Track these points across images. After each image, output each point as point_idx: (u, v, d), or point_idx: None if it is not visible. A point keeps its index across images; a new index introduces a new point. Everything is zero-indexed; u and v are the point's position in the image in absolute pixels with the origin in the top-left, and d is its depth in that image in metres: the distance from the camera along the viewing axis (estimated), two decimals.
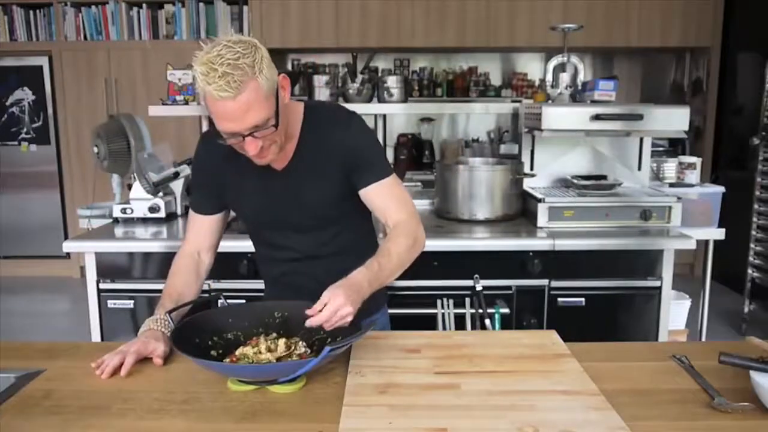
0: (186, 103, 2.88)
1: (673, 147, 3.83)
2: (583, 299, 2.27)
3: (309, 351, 1.24)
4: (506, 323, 2.18)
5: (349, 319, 1.19)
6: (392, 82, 2.95)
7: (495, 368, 1.23)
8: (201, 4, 4.88)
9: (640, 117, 2.34)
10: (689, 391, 1.14)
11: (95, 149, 2.67)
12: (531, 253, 2.23)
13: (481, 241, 2.27)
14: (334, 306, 1.17)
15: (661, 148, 3.65)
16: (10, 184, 5.10)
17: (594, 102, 2.45)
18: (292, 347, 1.23)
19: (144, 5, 4.87)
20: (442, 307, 2.19)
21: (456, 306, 2.19)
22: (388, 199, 1.44)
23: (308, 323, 1.18)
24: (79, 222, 2.73)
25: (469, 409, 1.06)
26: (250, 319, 1.32)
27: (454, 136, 5.40)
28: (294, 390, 1.14)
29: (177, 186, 2.61)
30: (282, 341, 1.23)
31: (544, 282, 2.26)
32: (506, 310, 2.19)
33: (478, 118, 5.33)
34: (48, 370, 1.24)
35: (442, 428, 1.00)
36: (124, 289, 2.28)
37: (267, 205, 1.48)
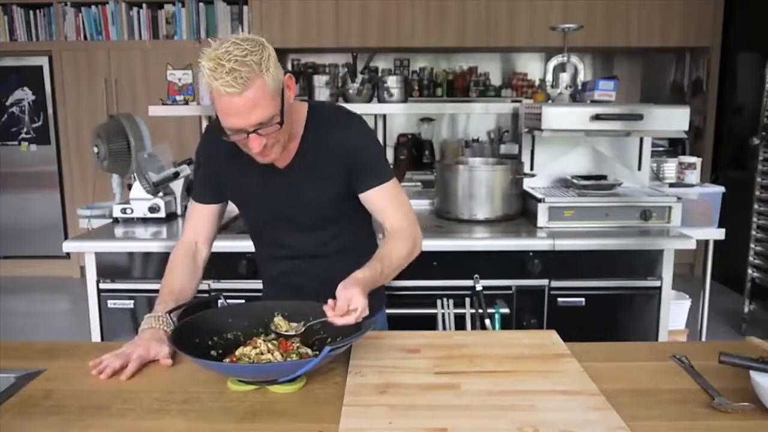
0: (186, 103, 2.88)
1: (673, 147, 3.82)
2: (583, 299, 2.27)
3: (309, 351, 1.24)
4: (506, 323, 2.18)
5: (359, 317, 1.20)
6: (392, 82, 2.95)
7: (495, 368, 1.23)
8: (201, 4, 4.88)
9: (640, 117, 2.34)
10: (689, 391, 1.14)
11: (95, 149, 2.67)
12: (531, 253, 2.23)
13: (481, 241, 2.27)
14: (359, 311, 1.19)
15: (661, 148, 3.65)
16: (10, 184, 5.10)
17: (594, 102, 2.45)
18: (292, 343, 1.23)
19: (144, 5, 4.87)
20: (442, 307, 2.19)
21: (456, 306, 2.19)
22: (388, 204, 1.45)
23: (334, 321, 1.19)
24: (79, 222, 2.73)
25: (469, 409, 1.06)
26: (250, 319, 1.32)
27: (454, 136, 5.40)
28: (294, 390, 1.14)
29: (177, 186, 2.61)
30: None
31: (544, 282, 2.26)
32: (506, 310, 2.19)
33: (478, 118, 5.33)
34: (48, 370, 1.24)
35: (442, 428, 1.00)
36: (124, 289, 2.28)
37: (268, 203, 1.49)
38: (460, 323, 2.16)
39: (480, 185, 2.45)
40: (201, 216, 1.56)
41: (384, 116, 3.62)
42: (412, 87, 5.26)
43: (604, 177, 2.61)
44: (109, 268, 2.28)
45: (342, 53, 5.18)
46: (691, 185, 2.69)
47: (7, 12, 4.91)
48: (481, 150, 4.60)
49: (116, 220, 2.53)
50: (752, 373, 1.08)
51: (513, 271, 2.24)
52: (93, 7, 4.88)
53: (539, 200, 2.37)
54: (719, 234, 2.57)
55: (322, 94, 2.96)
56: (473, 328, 2.13)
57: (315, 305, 1.33)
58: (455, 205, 2.49)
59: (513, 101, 5.02)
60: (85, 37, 4.91)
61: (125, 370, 1.20)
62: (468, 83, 5.35)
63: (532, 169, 2.66)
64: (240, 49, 1.19)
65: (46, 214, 5.11)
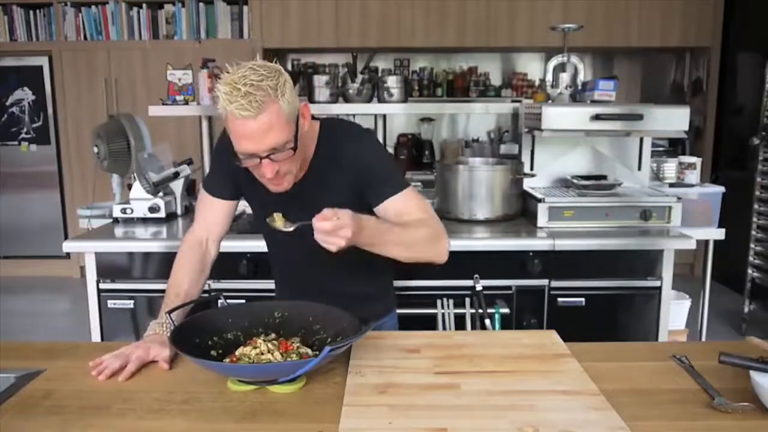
0: (186, 103, 2.88)
1: (673, 147, 3.82)
2: (583, 299, 2.27)
3: (309, 351, 1.24)
4: (506, 323, 2.18)
5: (341, 243, 1.17)
6: (392, 82, 2.95)
7: (495, 368, 1.23)
8: (201, 4, 4.88)
9: (640, 117, 2.34)
10: (689, 391, 1.14)
11: (95, 149, 2.67)
12: (531, 253, 2.23)
13: (481, 241, 2.27)
14: (340, 224, 1.16)
15: (661, 148, 3.65)
16: (10, 184, 5.10)
17: (594, 102, 2.45)
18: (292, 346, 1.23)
19: (144, 5, 4.87)
20: (442, 307, 2.19)
21: (456, 306, 2.19)
22: (407, 206, 1.41)
23: (314, 220, 1.17)
24: (79, 222, 2.73)
25: (469, 409, 1.06)
26: (250, 319, 1.32)
27: (454, 136, 5.41)
28: (294, 390, 1.14)
29: (177, 186, 2.61)
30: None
31: (544, 282, 2.26)
32: (506, 310, 2.19)
33: (478, 118, 5.33)
34: (48, 370, 1.24)
35: (442, 428, 1.00)
36: (124, 289, 2.28)
37: (277, 209, 1.49)
38: (460, 323, 2.16)
39: (480, 185, 2.45)
40: (214, 211, 1.54)
41: (384, 116, 3.61)
42: (412, 87, 5.26)
43: (604, 177, 2.61)
44: (109, 268, 2.28)
45: (342, 53, 5.18)
46: (691, 185, 2.69)
47: (7, 12, 4.91)
48: (481, 150, 4.60)
49: (116, 220, 2.53)
50: (752, 373, 1.08)
51: (513, 271, 2.24)
52: (93, 7, 4.88)
53: (539, 200, 2.37)
54: (719, 234, 2.57)
55: (322, 94, 2.96)
56: (473, 328, 2.13)
57: (315, 305, 1.34)
58: (455, 205, 2.49)
59: (513, 101, 5.02)
60: (85, 37, 4.91)
61: (124, 371, 1.20)
62: (468, 83, 5.35)
63: (532, 169, 2.66)
64: (256, 75, 1.20)
65: (46, 214, 5.11)
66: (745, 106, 4.58)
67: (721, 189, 2.66)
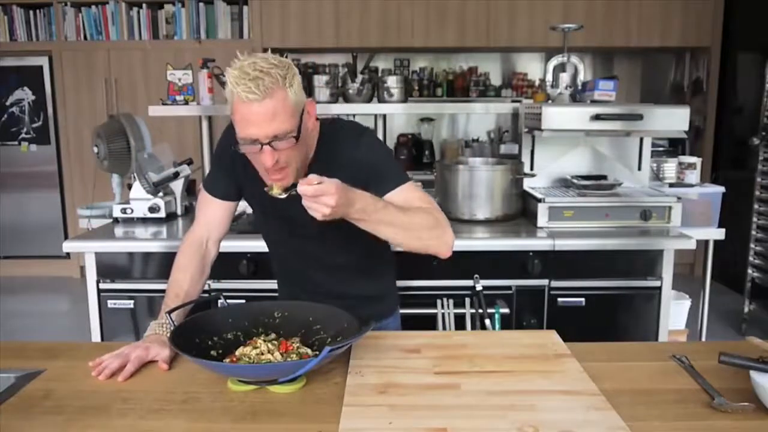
0: (186, 103, 2.88)
1: (673, 147, 3.83)
2: (583, 299, 2.27)
3: (309, 351, 1.24)
4: (506, 323, 2.18)
5: (325, 211, 1.16)
6: (392, 82, 2.95)
7: (495, 368, 1.23)
8: (201, 4, 4.88)
9: (640, 117, 2.34)
10: (689, 391, 1.14)
11: (95, 149, 2.67)
12: (531, 253, 2.23)
13: (481, 241, 2.27)
14: (323, 190, 1.15)
15: (661, 148, 3.65)
16: (10, 184, 5.10)
17: (594, 102, 2.45)
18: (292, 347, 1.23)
19: (144, 5, 4.87)
20: (442, 307, 2.19)
21: (456, 306, 2.19)
22: (408, 199, 1.39)
23: (299, 184, 1.17)
24: (79, 222, 2.73)
25: (469, 409, 1.06)
26: (250, 319, 1.32)
27: (454, 136, 5.40)
28: (294, 390, 1.14)
29: (177, 186, 2.61)
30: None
31: (544, 282, 2.26)
32: (506, 310, 2.19)
33: (478, 118, 5.33)
34: (48, 370, 1.24)
35: (442, 428, 1.00)
36: (124, 289, 2.28)
37: (280, 214, 1.49)
38: (460, 323, 2.16)
39: (480, 185, 2.44)
40: (215, 211, 1.54)
41: (384, 116, 3.61)
42: (412, 87, 5.26)
43: (604, 177, 2.61)
44: (109, 268, 2.28)
45: (342, 53, 5.18)
46: (691, 185, 2.69)
47: (7, 12, 4.91)
48: (481, 150, 4.61)
49: (116, 220, 2.53)
50: (752, 373, 1.08)
51: (513, 271, 2.24)
52: (93, 7, 4.88)
53: (539, 200, 2.37)
54: (719, 234, 2.57)
55: (322, 94, 2.96)
56: (473, 328, 2.13)
57: (315, 305, 1.34)
58: (455, 205, 2.49)
59: (513, 101, 5.02)
60: (85, 37, 4.91)
61: (123, 371, 1.20)
62: (468, 83, 5.35)
63: (532, 169, 2.66)
64: (267, 63, 1.21)
65: (46, 214, 5.11)
66: (745, 106, 4.58)
67: (721, 189, 2.66)
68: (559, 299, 2.27)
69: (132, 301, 2.28)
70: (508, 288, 2.25)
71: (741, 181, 3.91)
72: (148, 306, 2.26)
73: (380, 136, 3.42)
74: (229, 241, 2.15)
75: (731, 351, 1.15)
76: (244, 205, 1.65)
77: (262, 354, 1.19)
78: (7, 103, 5.02)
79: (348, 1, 4.75)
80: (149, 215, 2.50)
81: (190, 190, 2.72)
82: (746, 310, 3.81)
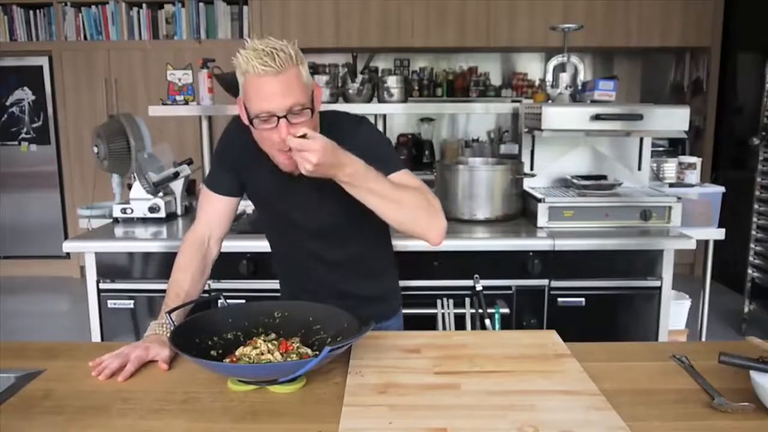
0: (186, 103, 2.88)
1: (673, 147, 3.83)
2: (583, 299, 2.27)
3: (309, 351, 1.24)
4: (506, 323, 2.18)
5: (307, 167, 1.20)
6: (392, 82, 2.95)
7: (495, 368, 1.23)
8: (201, 4, 4.88)
9: (640, 117, 2.34)
10: (689, 391, 1.14)
11: (95, 149, 2.67)
12: (531, 253, 2.23)
13: (481, 241, 2.27)
14: (307, 146, 1.19)
15: (661, 148, 3.65)
16: (10, 184, 5.10)
17: (594, 102, 2.45)
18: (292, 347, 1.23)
19: (144, 5, 4.87)
20: (442, 307, 2.19)
21: (456, 306, 2.19)
22: (403, 181, 1.40)
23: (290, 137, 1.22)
24: (79, 222, 2.73)
25: (469, 409, 1.06)
26: (250, 319, 1.32)
27: (454, 136, 5.40)
28: (294, 390, 1.14)
29: (177, 186, 2.61)
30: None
31: (544, 282, 2.26)
32: (506, 310, 2.19)
33: (478, 118, 5.33)
34: (48, 370, 1.24)
35: (442, 428, 1.00)
36: (124, 289, 2.28)
37: (281, 207, 1.49)
38: (460, 323, 2.16)
39: (480, 185, 2.44)
40: (217, 209, 1.54)
41: (384, 116, 3.62)
42: (412, 87, 5.26)
43: (604, 177, 2.61)
44: (109, 268, 2.28)
45: (342, 53, 5.18)
46: (691, 185, 2.69)
47: (7, 12, 4.91)
48: (481, 150, 4.61)
49: (116, 220, 2.53)
50: (752, 373, 1.08)
51: (513, 271, 2.24)
52: (93, 7, 4.88)
53: (539, 200, 2.37)
54: (719, 234, 2.57)
55: (322, 94, 2.96)
56: (473, 328, 2.13)
57: (315, 305, 1.34)
58: (455, 205, 2.49)
59: (513, 101, 5.02)
60: (85, 37, 4.91)
61: (123, 371, 1.20)
62: (468, 83, 5.35)
63: (532, 169, 2.66)
64: (279, 44, 1.26)
65: (46, 214, 5.11)
66: (745, 106, 4.58)
67: (721, 189, 2.66)
68: (559, 299, 2.27)
69: (132, 301, 2.28)
70: (508, 288, 2.25)
71: (741, 181, 3.91)
72: (148, 306, 2.26)
73: None
74: (229, 241, 2.14)
75: (731, 351, 1.15)
76: (244, 205, 1.65)
77: (262, 354, 1.19)
78: (7, 103, 5.02)
79: (348, 1, 4.75)
80: (149, 215, 2.50)
81: (190, 190, 2.72)
82: (746, 310, 3.81)
